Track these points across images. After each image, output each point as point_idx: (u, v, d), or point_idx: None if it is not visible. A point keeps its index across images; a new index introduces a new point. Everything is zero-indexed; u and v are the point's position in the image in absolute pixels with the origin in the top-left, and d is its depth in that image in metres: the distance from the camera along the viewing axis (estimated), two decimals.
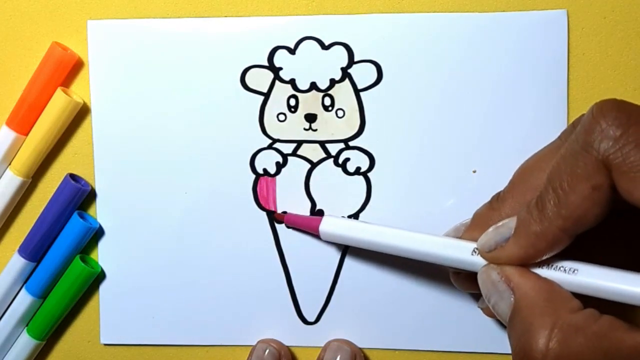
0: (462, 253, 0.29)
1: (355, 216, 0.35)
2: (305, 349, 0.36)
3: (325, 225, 0.33)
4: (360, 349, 0.35)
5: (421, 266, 0.34)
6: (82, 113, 0.35)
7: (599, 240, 0.27)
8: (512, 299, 0.26)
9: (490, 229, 0.27)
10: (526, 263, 0.26)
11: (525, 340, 0.24)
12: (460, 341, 0.35)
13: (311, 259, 0.35)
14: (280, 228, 0.35)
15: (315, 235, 0.34)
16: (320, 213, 0.35)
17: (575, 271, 0.26)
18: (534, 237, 0.25)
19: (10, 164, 0.35)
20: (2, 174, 0.35)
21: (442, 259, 0.29)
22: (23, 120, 0.35)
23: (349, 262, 0.35)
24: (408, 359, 0.35)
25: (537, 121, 0.33)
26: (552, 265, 0.26)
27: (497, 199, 0.29)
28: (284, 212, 0.35)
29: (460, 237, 0.30)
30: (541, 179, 0.26)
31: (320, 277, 0.35)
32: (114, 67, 0.35)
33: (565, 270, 0.26)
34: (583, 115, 0.25)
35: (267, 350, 0.34)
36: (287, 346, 0.36)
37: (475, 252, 0.28)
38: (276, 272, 0.35)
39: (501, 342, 0.35)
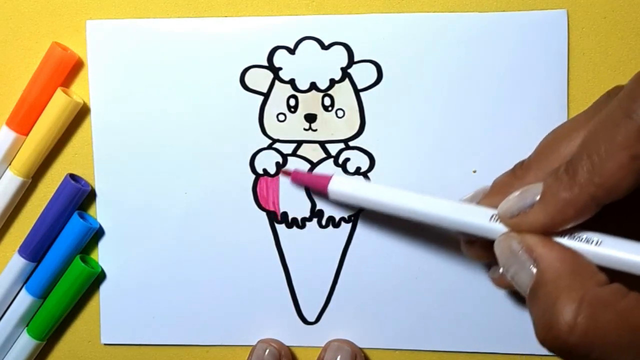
0: (480, 218, 0.27)
1: (355, 216, 0.35)
2: (306, 349, 0.36)
3: (335, 184, 0.32)
4: (360, 349, 0.35)
5: (422, 266, 0.34)
6: (82, 113, 0.35)
7: (622, 212, 0.26)
8: (534, 270, 0.24)
9: (514, 195, 0.26)
10: (549, 231, 0.25)
11: (550, 314, 0.23)
12: (460, 341, 0.35)
13: (311, 259, 0.35)
14: (281, 228, 0.35)
15: (324, 195, 0.33)
16: (321, 213, 0.35)
17: (600, 243, 0.24)
18: (562, 203, 0.24)
19: (10, 164, 0.35)
20: (2, 174, 0.36)
21: (457, 224, 0.28)
22: (23, 120, 0.35)
23: (349, 262, 0.35)
24: (408, 359, 0.35)
25: (537, 121, 0.33)
26: (574, 236, 0.25)
27: (521, 166, 0.28)
28: (288, 170, 0.34)
29: (478, 203, 0.29)
30: (570, 149, 0.25)
31: (320, 277, 0.35)
32: (113, 67, 0.35)
33: (588, 241, 0.25)
34: (617, 86, 0.25)
35: (267, 350, 0.34)
36: (287, 346, 0.36)
37: (494, 219, 0.27)
38: (276, 272, 0.35)
39: (501, 342, 0.35)
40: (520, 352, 0.35)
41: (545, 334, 0.23)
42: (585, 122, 0.26)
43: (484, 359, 0.35)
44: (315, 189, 0.34)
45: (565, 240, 0.25)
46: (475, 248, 0.31)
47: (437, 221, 0.29)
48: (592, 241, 0.25)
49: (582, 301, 0.23)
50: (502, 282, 0.31)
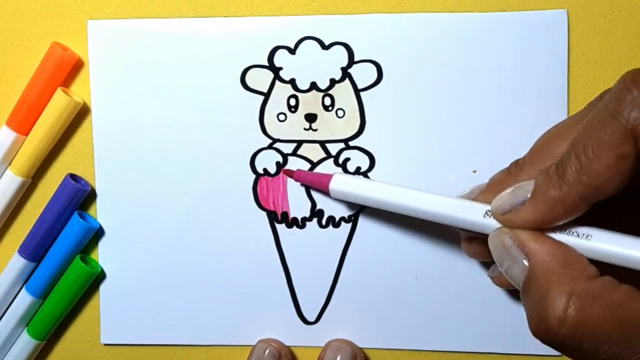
0: (474, 214, 0.28)
1: (355, 215, 0.35)
2: (306, 348, 0.36)
3: (336, 183, 0.32)
4: (360, 348, 0.35)
5: (422, 266, 0.34)
6: (82, 113, 0.35)
7: (614, 209, 0.26)
8: (526, 263, 0.25)
9: (506, 191, 0.27)
10: (540, 228, 0.26)
11: (542, 307, 0.23)
12: (460, 341, 0.35)
13: (311, 259, 0.35)
14: (281, 228, 0.35)
15: (325, 192, 0.33)
16: (321, 213, 0.35)
17: (589, 237, 0.25)
18: (552, 202, 0.25)
19: (10, 164, 0.35)
20: (2, 174, 0.35)
21: (452, 219, 0.29)
22: (23, 120, 0.35)
23: (349, 262, 0.35)
24: (408, 359, 0.35)
25: (537, 121, 0.33)
26: (565, 230, 0.25)
27: (516, 165, 0.29)
28: (290, 170, 0.34)
29: (474, 200, 0.30)
30: (563, 148, 0.25)
31: (320, 277, 0.35)
32: (114, 67, 0.35)
33: (578, 235, 0.25)
34: (609, 88, 0.25)
35: (267, 350, 0.34)
36: (287, 346, 0.36)
37: (488, 215, 0.27)
38: (276, 272, 0.35)
39: (501, 342, 0.35)
40: (520, 352, 0.35)
41: (537, 327, 0.24)
42: (579, 122, 0.27)
43: (483, 359, 0.35)
44: (317, 188, 0.34)
45: (557, 235, 0.26)
46: (473, 245, 0.31)
47: (433, 217, 0.29)
48: (582, 235, 0.25)
49: (572, 294, 0.23)
50: (501, 281, 0.32)
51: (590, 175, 0.24)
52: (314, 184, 0.34)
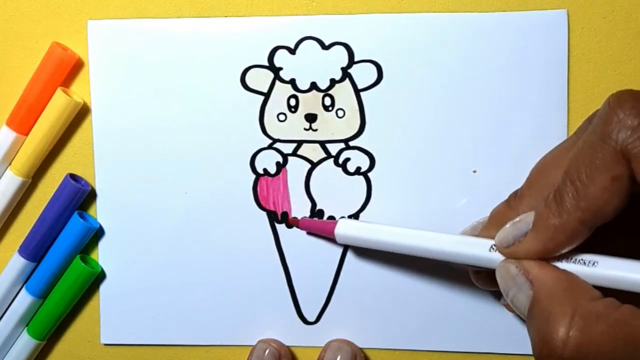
0: (480, 250, 0.28)
1: (355, 216, 0.35)
2: (306, 349, 0.36)
3: (341, 228, 0.33)
4: (360, 349, 0.35)
5: (422, 266, 0.34)
6: (82, 113, 0.35)
7: (618, 232, 0.27)
8: (530, 290, 0.25)
9: (508, 225, 0.27)
10: (545, 257, 0.26)
11: (545, 329, 0.23)
12: (461, 341, 0.35)
13: (311, 259, 0.35)
14: (281, 228, 0.35)
15: (331, 238, 0.34)
16: (321, 213, 0.35)
17: (595, 263, 0.25)
18: (553, 230, 0.25)
19: (10, 164, 0.35)
20: (2, 174, 0.35)
21: (460, 257, 0.29)
22: (23, 120, 0.35)
23: (349, 262, 0.35)
24: (408, 359, 0.35)
25: (537, 121, 0.33)
26: (571, 259, 0.26)
27: (515, 197, 0.29)
28: (295, 218, 0.35)
29: (477, 235, 0.30)
30: (559, 175, 0.26)
31: (320, 277, 0.35)
32: (114, 67, 0.35)
33: (584, 262, 0.25)
34: (595, 111, 0.25)
35: (267, 350, 0.34)
36: (287, 346, 0.36)
37: (493, 249, 0.28)
38: (276, 272, 0.35)
39: (502, 342, 0.35)
40: (520, 353, 0.35)
41: (540, 350, 0.24)
42: (571, 148, 0.27)
43: (483, 359, 0.35)
44: (322, 234, 0.34)
45: (561, 264, 0.26)
46: (482, 278, 0.32)
47: (441, 256, 0.30)
48: (589, 262, 0.25)
49: (575, 314, 0.23)
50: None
51: (588, 199, 0.24)
52: (320, 231, 0.34)
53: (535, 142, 0.33)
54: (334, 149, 0.35)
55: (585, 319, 0.23)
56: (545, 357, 0.23)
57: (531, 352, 0.34)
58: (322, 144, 0.35)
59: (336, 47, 0.34)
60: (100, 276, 0.36)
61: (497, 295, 0.34)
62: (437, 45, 0.34)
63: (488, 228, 0.30)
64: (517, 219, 0.27)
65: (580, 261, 0.26)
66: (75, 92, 0.35)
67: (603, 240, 0.26)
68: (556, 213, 0.25)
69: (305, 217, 0.35)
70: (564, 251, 0.26)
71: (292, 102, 0.34)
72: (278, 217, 0.35)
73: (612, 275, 0.25)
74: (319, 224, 0.34)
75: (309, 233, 0.35)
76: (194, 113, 0.35)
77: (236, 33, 0.34)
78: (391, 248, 0.31)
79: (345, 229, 0.33)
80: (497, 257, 0.28)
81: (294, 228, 0.35)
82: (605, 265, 0.25)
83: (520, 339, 0.34)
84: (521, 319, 0.34)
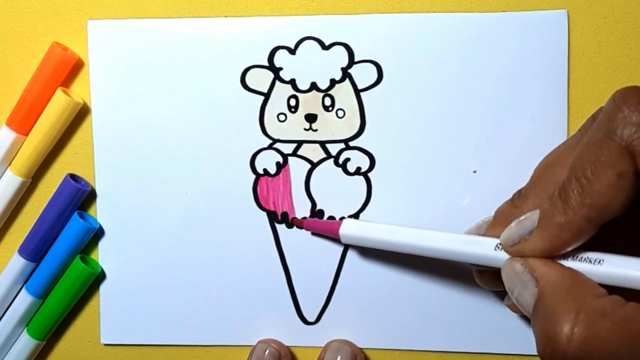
0: (485, 249, 0.28)
1: (355, 216, 0.35)
2: (305, 349, 0.36)
3: (345, 228, 0.33)
4: (360, 349, 0.35)
5: (422, 266, 0.34)
6: (82, 113, 0.35)
7: (624, 229, 0.27)
8: (535, 288, 0.25)
9: (513, 223, 0.27)
10: (551, 255, 0.26)
11: (550, 325, 0.23)
12: (461, 341, 0.35)
13: (311, 259, 0.35)
14: (281, 228, 0.35)
15: (334, 238, 0.34)
16: (321, 213, 0.35)
17: (601, 262, 0.25)
18: (558, 228, 0.25)
19: (10, 164, 0.35)
20: (2, 174, 0.35)
21: (465, 256, 0.29)
22: (23, 120, 0.35)
23: (349, 262, 0.35)
24: (408, 359, 0.35)
25: (537, 121, 0.33)
26: (577, 257, 0.26)
27: (519, 195, 0.29)
28: (304, 218, 0.35)
29: (482, 234, 0.30)
30: (563, 173, 0.25)
31: (320, 277, 0.35)
32: (114, 67, 0.35)
33: (590, 261, 0.25)
34: (600, 108, 0.25)
35: (267, 351, 0.34)
36: (287, 346, 0.36)
37: (499, 248, 0.28)
38: (276, 272, 0.35)
39: (502, 343, 0.35)
40: (520, 353, 0.35)
41: (545, 347, 0.24)
42: (575, 146, 0.27)
43: (483, 359, 0.35)
44: (327, 235, 0.34)
45: (567, 262, 0.26)
46: (486, 277, 0.32)
47: (447, 255, 0.30)
48: (594, 260, 0.25)
49: (580, 311, 0.23)
50: (517, 309, 0.32)
51: (593, 196, 0.24)
52: (324, 231, 0.34)
53: (536, 142, 0.33)
54: (334, 149, 0.35)
55: (590, 316, 0.23)
56: (550, 353, 0.23)
57: (531, 353, 0.35)
58: (322, 144, 0.35)
59: (336, 47, 0.34)
60: (100, 276, 0.36)
61: (500, 295, 0.34)
62: (437, 45, 0.34)
63: (493, 227, 0.30)
64: (523, 217, 0.27)
65: (586, 259, 0.25)
66: (75, 92, 0.35)
67: (608, 239, 0.26)
68: (561, 210, 0.25)
69: (306, 217, 0.35)
70: (569, 249, 0.25)
71: (292, 102, 0.34)
72: (278, 217, 0.35)
73: (618, 274, 0.25)
74: (323, 225, 0.34)
75: (313, 233, 0.35)
76: (194, 113, 0.35)
77: (236, 33, 0.34)
78: (395, 248, 0.31)
79: (349, 229, 0.33)
80: (503, 255, 0.28)
81: (294, 228, 0.35)
82: (611, 263, 0.25)
83: (520, 340, 0.34)
84: (523, 318, 0.34)
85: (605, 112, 0.24)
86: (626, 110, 0.23)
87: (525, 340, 0.34)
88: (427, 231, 0.30)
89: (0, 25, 0.35)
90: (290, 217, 0.35)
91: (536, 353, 0.34)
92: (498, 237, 0.28)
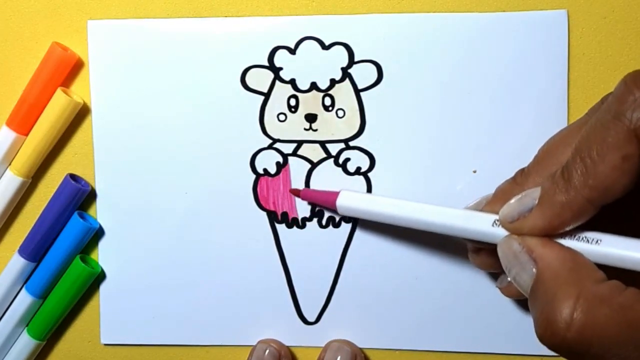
0: (483, 224, 0.28)
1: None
2: (306, 349, 0.36)
3: (343, 200, 0.32)
4: (360, 349, 0.35)
5: (422, 266, 0.34)
6: (82, 113, 0.35)
7: (623, 212, 0.26)
8: (534, 269, 0.25)
9: (513, 200, 0.27)
10: (549, 234, 0.26)
11: (549, 310, 0.23)
12: (461, 341, 0.35)
13: (311, 259, 0.35)
14: (281, 228, 0.35)
15: (332, 209, 0.33)
16: (321, 213, 0.35)
17: (599, 241, 0.25)
18: (559, 207, 0.25)
19: (10, 164, 0.35)
20: (2, 174, 0.35)
21: (462, 230, 0.29)
22: (23, 120, 0.35)
23: (349, 262, 0.35)
24: (408, 359, 0.35)
25: (537, 121, 0.33)
26: (574, 236, 0.25)
27: (522, 173, 0.29)
28: (297, 189, 0.35)
29: (481, 210, 0.30)
30: (567, 154, 0.25)
31: (320, 277, 0.35)
32: (114, 67, 0.35)
33: (588, 240, 0.25)
34: (610, 92, 0.25)
35: (267, 350, 0.34)
36: (287, 346, 0.36)
37: (497, 224, 0.28)
38: (276, 272, 0.35)
39: (501, 342, 0.35)
40: (520, 353, 0.35)
41: (544, 331, 0.23)
42: (581, 128, 0.27)
43: (484, 359, 0.35)
44: (324, 205, 0.34)
45: (564, 241, 0.26)
46: (481, 256, 0.31)
47: (443, 229, 0.29)
48: (592, 240, 0.25)
49: (579, 297, 0.23)
50: (509, 291, 0.32)
51: (597, 177, 0.24)
52: (321, 202, 0.34)
53: (536, 142, 0.33)
54: (334, 149, 0.35)
55: (590, 301, 0.23)
56: (549, 337, 0.23)
57: (532, 352, 0.35)
58: (322, 144, 0.35)
59: (336, 47, 0.34)
60: (100, 276, 0.36)
61: (494, 276, 0.34)
62: (437, 45, 0.34)
63: (492, 203, 0.29)
64: (523, 193, 0.26)
65: (584, 238, 0.25)
66: (75, 92, 0.35)
67: (607, 220, 0.25)
68: (563, 189, 0.25)
69: (303, 191, 0.35)
70: (568, 228, 0.25)
71: (292, 102, 0.34)
72: (278, 217, 0.35)
73: (615, 254, 0.25)
74: (320, 195, 0.34)
75: (309, 203, 0.35)
76: (194, 113, 0.35)
77: (236, 33, 0.34)
78: (392, 221, 0.31)
79: (347, 200, 0.32)
80: (500, 232, 0.27)
81: (294, 228, 0.35)
82: (609, 243, 0.25)
83: (521, 340, 0.34)
84: (520, 308, 0.34)
85: (616, 94, 0.24)
86: (637, 93, 0.23)
87: (525, 340, 0.34)
88: (424, 205, 0.30)
89: (0, 25, 0.35)
90: (290, 217, 0.35)
91: (536, 352, 0.35)
92: (497, 213, 0.28)
